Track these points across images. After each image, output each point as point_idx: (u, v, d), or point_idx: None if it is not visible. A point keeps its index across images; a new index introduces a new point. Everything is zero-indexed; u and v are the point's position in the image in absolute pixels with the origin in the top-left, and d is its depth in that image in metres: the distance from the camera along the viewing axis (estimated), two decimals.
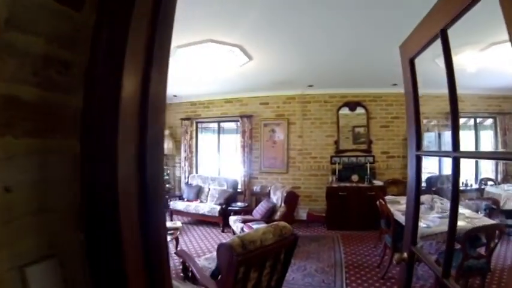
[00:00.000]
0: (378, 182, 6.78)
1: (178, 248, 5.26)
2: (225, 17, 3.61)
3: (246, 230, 4.96)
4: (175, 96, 8.58)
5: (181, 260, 3.54)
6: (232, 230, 5.74)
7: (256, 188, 7.51)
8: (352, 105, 7.33)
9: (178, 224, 5.51)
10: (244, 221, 5.29)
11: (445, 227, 3.42)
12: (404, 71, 1.63)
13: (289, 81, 6.69)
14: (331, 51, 4.76)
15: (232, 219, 5.80)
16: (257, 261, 2.65)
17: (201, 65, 5.27)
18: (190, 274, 3.22)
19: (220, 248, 2.67)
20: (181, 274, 3.56)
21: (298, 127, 7.58)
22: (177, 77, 6.38)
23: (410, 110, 1.62)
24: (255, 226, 4.88)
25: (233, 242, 2.54)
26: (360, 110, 7.33)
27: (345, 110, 7.37)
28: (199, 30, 3.96)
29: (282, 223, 3.03)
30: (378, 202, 4.91)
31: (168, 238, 4.76)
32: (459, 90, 1.20)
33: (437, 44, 1.22)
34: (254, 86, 7.13)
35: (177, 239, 5.21)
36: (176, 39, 4.19)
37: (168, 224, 5.50)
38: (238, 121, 7.97)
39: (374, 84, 6.79)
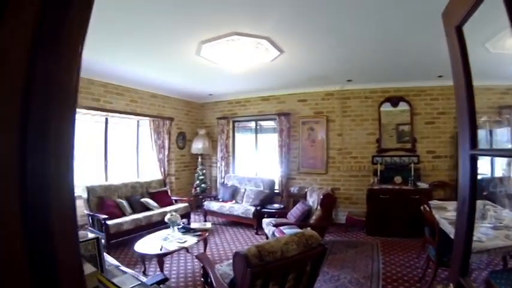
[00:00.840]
0: (422, 185, 6.26)
1: (207, 250, 5.22)
2: (250, 7, 3.39)
3: (277, 234, 4.74)
4: (210, 95, 8.62)
5: (201, 265, 3.44)
6: (266, 234, 5.54)
7: (294, 189, 7.28)
8: (395, 101, 6.86)
9: (208, 225, 5.41)
10: (277, 225, 5.06)
11: (500, 242, 3.01)
12: (451, 46, 1.28)
13: (327, 76, 6.36)
14: (371, 41, 4.38)
15: (265, 222, 5.59)
16: (277, 273, 2.40)
17: (230, 61, 5.09)
18: (210, 280, 3.11)
19: (235, 257, 2.46)
20: (202, 279, 3.45)
21: (337, 125, 7.26)
22: (208, 76, 6.33)
23: (462, 98, 1.25)
24: (286, 231, 4.69)
25: (249, 251, 2.31)
26: (402, 106, 6.85)
27: (387, 106, 6.92)
28: (223, 22, 3.78)
29: (309, 232, 2.77)
30: (422, 207, 4.51)
31: (195, 240, 4.70)
32: None
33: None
34: (290, 82, 6.91)
35: (205, 241, 5.11)
36: (199, 34, 4.12)
37: (197, 225, 5.46)
38: (275, 119, 7.80)
39: (418, 76, 6.30)
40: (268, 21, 3.72)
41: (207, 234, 5.13)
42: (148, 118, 8.02)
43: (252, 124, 8.60)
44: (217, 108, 9.09)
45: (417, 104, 6.78)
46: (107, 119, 7.37)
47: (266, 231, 5.43)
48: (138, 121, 8.20)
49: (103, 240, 5.13)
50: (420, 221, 4.77)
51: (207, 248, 5.29)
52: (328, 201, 5.17)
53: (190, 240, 4.68)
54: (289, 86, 7.35)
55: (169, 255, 4.81)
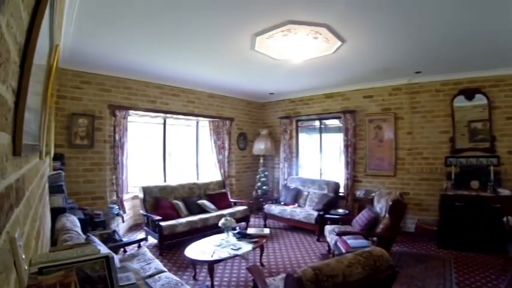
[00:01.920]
0: (504, 191, 5.19)
1: (264, 257, 4.91)
2: None
3: (339, 245, 4.23)
4: (271, 94, 8.33)
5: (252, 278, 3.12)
6: (328, 242, 5.06)
7: (360, 193, 6.65)
8: (469, 93, 5.89)
9: (266, 231, 5.07)
10: (340, 233, 4.55)
11: None
12: None
13: (393, 69, 5.71)
14: (443, 25, 3.73)
15: (328, 229, 5.10)
16: None
17: (288, 54, 4.72)
18: None
19: (288, 279, 2.07)
20: None
21: (406, 122, 6.49)
22: (265, 72, 6.02)
23: None
24: (350, 242, 4.18)
25: (304, 274, 1.88)
26: (478, 100, 5.85)
27: (461, 100, 5.98)
28: (275, 10, 3.43)
29: (378, 251, 2.28)
30: (505, 218, 3.83)
31: (250, 247, 4.40)
32: None
33: None
34: (355, 77, 6.35)
35: (262, 247, 4.79)
36: (251, 26, 3.84)
37: (254, 230, 5.14)
38: (340, 117, 7.27)
39: (495, 63, 5.33)
40: (327, 6, 3.30)
41: (264, 241, 4.81)
42: (207, 119, 7.96)
43: (316, 123, 8.14)
44: (279, 108, 8.76)
45: (496, 96, 5.75)
46: (165, 120, 7.45)
47: (328, 239, 4.97)
48: (197, 122, 8.18)
49: (142, 245, 5.08)
50: (502, 235, 4.09)
51: (264, 254, 4.96)
52: (398, 208, 4.51)
53: (245, 247, 4.39)
54: (353, 81, 6.78)
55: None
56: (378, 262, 2.14)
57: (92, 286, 1.12)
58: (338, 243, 4.35)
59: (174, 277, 3.21)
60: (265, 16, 3.58)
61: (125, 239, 5.07)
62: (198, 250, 4.25)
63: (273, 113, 8.95)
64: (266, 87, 7.60)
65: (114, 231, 4.94)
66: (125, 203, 6.32)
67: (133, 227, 6.63)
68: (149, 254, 3.84)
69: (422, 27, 3.80)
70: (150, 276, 3.21)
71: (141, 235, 5.80)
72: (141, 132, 7.27)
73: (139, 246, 4.37)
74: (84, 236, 2.99)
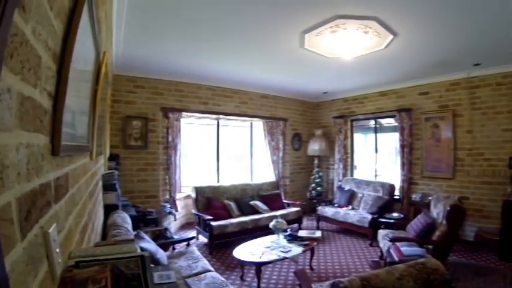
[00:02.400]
0: None
1: (314, 260, 4.83)
2: None
3: (392, 252, 4.04)
4: (325, 93, 8.22)
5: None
6: (380, 247, 4.86)
7: (416, 196, 6.31)
8: None
9: (317, 234, 4.98)
10: (394, 239, 4.34)
11: None
12: None
13: (450, 62, 5.32)
14: (503, 12, 3.39)
15: (381, 234, 4.91)
16: None
17: (338, 51, 4.60)
18: None
19: None
20: None
21: (466, 120, 5.98)
22: (317, 70, 5.94)
23: None
24: (404, 249, 3.96)
25: (351, 285, 1.82)
26: None
27: None
28: (322, 5, 3.36)
29: (433, 263, 2.12)
30: None
31: (300, 250, 4.35)
32: None
33: None
34: (409, 72, 6.04)
35: (312, 250, 4.72)
36: (299, 23, 3.81)
37: (305, 232, 5.08)
38: (395, 116, 6.97)
39: None
40: None
41: (314, 244, 4.75)
42: (260, 119, 8.02)
43: (371, 123, 7.90)
44: (333, 107, 8.60)
45: None
46: (218, 122, 7.61)
47: (381, 244, 4.78)
48: (251, 123, 8.27)
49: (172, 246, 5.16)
50: None
51: (314, 258, 4.88)
52: (456, 214, 4.19)
53: (295, 250, 4.35)
54: (408, 78, 6.47)
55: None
56: (432, 276, 2.00)
57: (126, 283, 1.16)
58: (391, 250, 4.16)
59: (220, 277, 3.26)
60: (313, 12, 3.55)
61: (176, 237, 5.26)
62: (247, 251, 4.29)
63: (327, 113, 8.80)
64: (319, 86, 7.51)
65: (166, 229, 5.13)
66: (178, 202, 6.55)
67: (185, 226, 6.85)
68: (197, 253, 3.94)
69: (480, 14, 3.51)
70: (196, 274, 3.29)
71: (192, 234, 5.99)
72: (194, 133, 7.51)
73: (188, 245, 4.50)
74: (133, 232, 3.14)
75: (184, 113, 6.71)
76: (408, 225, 4.97)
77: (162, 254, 3.33)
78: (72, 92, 1.28)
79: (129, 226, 3.14)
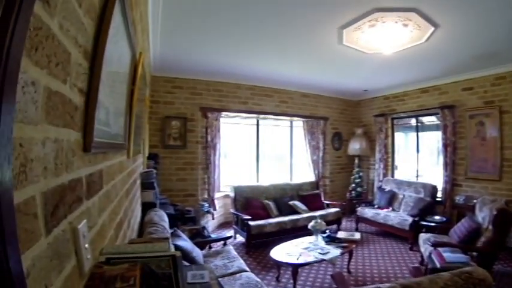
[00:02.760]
0: None
1: (351, 264, 4.69)
2: None
3: (434, 258, 3.82)
4: (365, 91, 8.01)
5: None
6: (421, 252, 4.64)
7: (459, 198, 5.93)
8: None
9: (357, 236, 4.87)
10: (435, 244, 4.11)
11: None
12: None
13: (495, 54, 4.90)
14: None
15: (422, 238, 4.68)
16: None
17: (377, 46, 4.44)
18: None
19: None
20: None
21: None
22: (356, 67, 5.78)
23: None
24: (447, 255, 3.72)
25: None
26: None
27: None
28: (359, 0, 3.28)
29: (480, 273, 1.92)
30: None
31: (338, 252, 4.23)
32: None
33: None
34: (451, 67, 5.68)
35: (351, 253, 4.59)
36: (337, 18, 3.71)
37: (344, 234, 4.97)
38: (438, 113, 6.61)
39: None
40: None
41: (353, 246, 4.64)
42: (300, 118, 7.94)
43: (412, 121, 7.60)
44: (374, 105, 8.34)
45: None
46: (257, 121, 7.62)
47: (422, 249, 4.56)
48: (291, 122, 8.21)
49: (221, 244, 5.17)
50: None
51: (352, 260, 4.74)
52: (504, 219, 3.88)
53: (333, 252, 4.24)
54: (450, 73, 6.11)
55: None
56: (478, 287, 1.84)
57: (156, 282, 1.16)
58: (432, 256, 3.94)
59: (255, 277, 3.24)
60: (350, 6, 3.44)
61: (213, 236, 5.30)
62: (284, 252, 4.23)
63: (367, 111, 8.56)
64: (359, 84, 7.33)
65: (204, 228, 5.18)
66: (216, 201, 6.61)
67: (223, 225, 6.89)
68: (234, 252, 3.93)
69: None
70: (232, 274, 3.28)
71: (229, 233, 6.02)
72: (234, 132, 7.57)
73: (224, 244, 4.51)
74: (170, 230, 3.19)
75: (223, 113, 6.77)
76: (451, 229, 4.70)
77: (198, 253, 3.36)
78: (106, 90, 1.30)
79: (166, 224, 3.18)
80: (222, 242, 4.72)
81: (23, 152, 0.60)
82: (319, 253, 4.17)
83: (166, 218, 3.42)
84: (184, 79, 6.27)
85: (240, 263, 3.60)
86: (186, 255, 3.13)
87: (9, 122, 0.49)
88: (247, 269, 3.49)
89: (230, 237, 5.23)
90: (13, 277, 0.48)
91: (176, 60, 5.41)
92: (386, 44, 4.36)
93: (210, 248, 4.70)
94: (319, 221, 4.89)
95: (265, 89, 7.21)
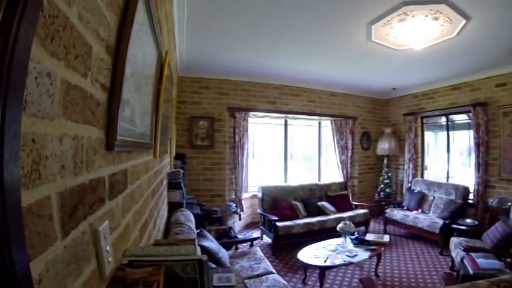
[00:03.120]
0: None
1: (380, 267, 4.54)
2: None
3: (466, 263, 3.62)
4: (394, 89, 7.76)
5: None
6: (452, 257, 4.41)
7: (493, 201, 5.54)
8: None
9: (386, 238, 4.70)
10: (468, 249, 3.89)
11: None
12: None
13: None
14: None
15: (454, 242, 4.45)
16: None
17: (407, 42, 4.27)
18: None
19: None
20: None
21: None
22: (385, 65, 5.58)
23: None
24: (480, 261, 3.51)
25: None
26: None
27: None
28: None
29: None
30: None
31: (367, 255, 4.12)
32: None
33: None
34: (484, 61, 5.34)
35: (379, 256, 4.44)
36: (365, 14, 3.60)
37: (373, 236, 4.81)
38: (469, 111, 6.30)
39: None
40: None
41: (382, 249, 4.51)
42: (329, 118, 7.82)
43: (443, 119, 7.29)
44: (403, 104, 8.08)
45: None
46: (286, 121, 7.55)
47: (453, 254, 4.34)
48: (319, 122, 8.11)
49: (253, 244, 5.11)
50: None
51: (380, 264, 4.60)
52: None
53: (361, 254, 4.14)
54: (482, 68, 5.75)
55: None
56: None
57: (181, 287, 1.11)
58: (465, 261, 3.72)
59: (281, 280, 3.17)
60: (378, 1, 3.31)
61: (240, 236, 5.26)
62: (311, 254, 4.16)
63: (396, 110, 8.31)
64: (388, 81, 7.12)
65: (230, 228, 5.16)
66: (244, 202, 6.58)
67: (251, 225, 6.85)
68: (260, 253, 3.88)
69: None
70: (258, 276, 3.23)
71: (256, 234, 5.97)
72: (262, 132, 7.55)
73: (251, 245, 4.46)
74: (196, 231, 3.17)
75: (251, 113, 6.75)
76: (484, 233, 4.46)
77: (224, 254, 3.32)
78: (131, 88, 1.27)
79: (192, 224, 3.16)
80: (249, 242, 4.67)
81: (36, 149, 0.55)
82: (347, 256, 4.07)
83: (192, 218, 3.40)
84: (211, 79, 6.27)
85: (267, 264, 3.55)
86: (212, 256, 3.09)
87: (17, 114, 0.45)
88: (274, 270, 3.44)
89: (257, 238, 5.18)
90: (19, 285, 0.43)
91: (203, 60, 5.41)
92: (416, 39, 4.17)
93: (237, 248, 4.67)
94: (347, 222, 4.76)
95: (293, 88, 7.12)
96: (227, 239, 4.84)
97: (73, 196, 0.71)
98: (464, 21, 3.69)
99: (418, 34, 4.02)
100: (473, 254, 3.74)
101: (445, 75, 6.36)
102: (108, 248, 0.91)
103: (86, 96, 0.79)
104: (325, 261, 3.89)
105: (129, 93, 1.24)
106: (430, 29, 3.89)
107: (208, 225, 4.94)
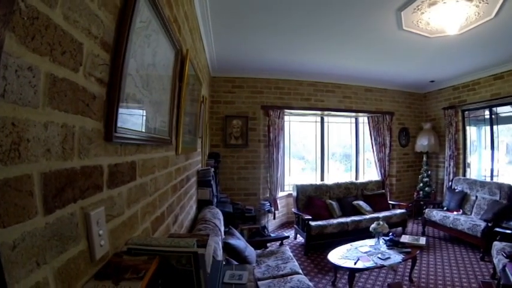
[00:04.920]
0: None
1: (414, 272, 4.38)
2: None
3: (508, 271, 3.36)
4: (432, 81, 7.45)
5: None
6: (493, 263, 4.11)
7: None
8: None
9: (422, 241, 4.51)
10: (511, 256, 3.62)
11: None
12: None
13: None
14: None
15: (496, 247, 4.14)
16: None
17: (441, 28, 4.02)
18: None
19: None
20: None
21: None
22: (420, 54, 5.33)
23: None
24: None
25: None
26: None
27: None
28: None
29: None
30: None
31: (400, 259, 3.98)
32: None
33: None
34: None
35: (414, 259, 4.30)
36: (392, 0, 3.46)
37: (408, 238, 4.61)
38: None
39: None
40: None
41: (417, 252, 4.35)
42: (365, 114, 7.71)
43: (486, 113, 6.89)
44: (442, 97, 7.76)
45: None
46: (322, 118, 7.53)
47: (495, 260, 4.03)
48: (356, 119, 8.04)
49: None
50: None
51: (416, 268, 4.45)
52: None
53: (394, 257, 4.02)
54: None
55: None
56: None
57: (175, 278, 1.17)
58: (507, 269, 3.45)
59: (307, 281, 3.18)
60: None
61: (272, 235, 5.30)
62: (343, 254, 4.12)
63: (435, 104, 8.00)
64: (424, 74, 6.84)
65: (264, 227, 5.23)
66: (279, 201, 6.64)
67: (286, 224, 6.90)
68: (289, 253, 3.90)
69: None
70: (283, 276, 3.25)
71: (288, 233, 6.00)
72: (298, 130, 7.58)
73: (281, 244, 4.49)
74: (223, 229, 3.26)
75: (287, 111, 6.78)
76: None
77: (250, 252, 3.39)
78: (137, 84, 1.37)
79: (219, 222, 3.26)
80: (279, 242, 4.70)
81: (16, 132, 0.64)
82: (379, 258, 3.98)
83: (220, 216, 3.50)
84: (244, 78, 6.39)
85: (294, 264, 3.56)
86: (238, 254, 3.17)
87: None
88: (300, 271, 3.43)
89: (287, 237, 5.18)
90: None
91: (234, 59, 5.53)
92: (450, 24, 3.87)
93: (266, 247, 4.72)
94: (381, 223, 4.64)
95: (327, 84, 7.08)
96: (260, 237, 4.92)
97: (60, 178, 0.79)
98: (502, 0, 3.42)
99: (451, 18, 3.76)
100: None
101: (486, 64, 5.97)
102: (101, 232, 1.00)
103: (77, 89, 0.88)
104: (355, 263, 3.83)
105: (135, 88, 1.34)
106: (464, 12, 3.64)
107: (242, 223, 5.04)
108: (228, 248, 3.11)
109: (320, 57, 5.50)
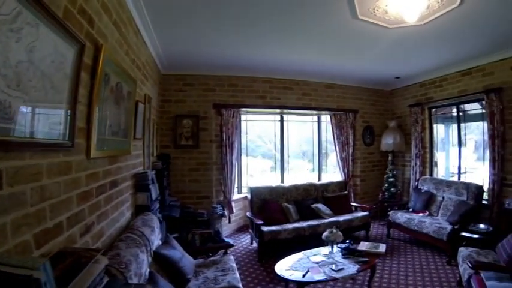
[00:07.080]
0: None
1: (375, 279, 4.26)
2: None
3: (473, 285, 3.19)
4: (397, 78, 7.44)
5: None
6: (459, 271, 4.00)
7: (510, 202, 4.97)
8: None
9: (381, 248, 4.37)
10: (477, 266, 3.36)
11: None
12: None
13: None
14: None
15: (462, 254, 3.98)
16: None
17: (400, 16, 3.75)
18: None
19: None
20: None
21: None
22: (381, 49, 5.21)
23: None
24: (490, 284, 3.03)
25: None
26: None
27: None
28: None
29: None
30: None
31: (355, 270, 3.79)
32: None
33: None
34: (496, 39, 4.76)
35: (372, 269, 4.14)
36: None
37: (365, 246, 4.43)
38: (482, 99, 5.90)
39: None
40: None
41: (376, 260, 4.20)
42: (327, 112, 7.67)
43: (453, 110, 6.94)
44: (409, 94, 7.79)
45: None
46: (281, 117, 7.46)
47: (461, 269, 3.87)
48: (318, 117, 8.00)
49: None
50: None
51: (377, 275, 4.35)
52: None
53: (349, 268, 3.81)
54: (495, 48, 5.18)
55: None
56: None
57: None
58: (472, 282, 3.26)
59: None
60: None
61: (229, 240, 5.16)
62: (292, 265, 3.91)
63: (402, 101, 8.04)
64: (387, 70, 6.79)
65: (217, 232, 5.10)
66: (236, 203, 6.56)
67: (244, 228, 6.78)
68: (231, 263, 3.69)
69: None
70: None
71: (246, 237, 5.90)
72: (256, 130, 7.51)
73: (225, 253, 4.34)
74: (154, 237, 3.11)
75: (242, 109, 6.69)
76: (499, 243, 3.91)
77: (186, 263, 3.26)
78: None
79: (150, 229, 3.10)
80: (223, 250, 4.55)
81: None
82: (331, 269, 3.76)
83: (154, 223, 3.35)
84: (195, 75, 6.25)
85: (233, 277, 3.33)
86: (171, 265, 3.04)
87: None
88: (239, 285, 3.21)
89: (232, 245, 5.05)
90: None
91: (183, 55, 5.37)
92: (408, 11, 3.58)
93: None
94: (334, 231, 4.47)
95: (285, 81, 7.00)
96: (212, 243, 4.80)
97: None
98: None
99: (410, 5, 3.49)
100: (483, 273, 3.26)
101: (454, 59, 5.96)
102: None
103: None
104: (303, 276, 3.61)
105: None
106: None
107: (195, 228, 4.90)
108: (159, 259, 2.97)
109: (271, 51, 5.34)
